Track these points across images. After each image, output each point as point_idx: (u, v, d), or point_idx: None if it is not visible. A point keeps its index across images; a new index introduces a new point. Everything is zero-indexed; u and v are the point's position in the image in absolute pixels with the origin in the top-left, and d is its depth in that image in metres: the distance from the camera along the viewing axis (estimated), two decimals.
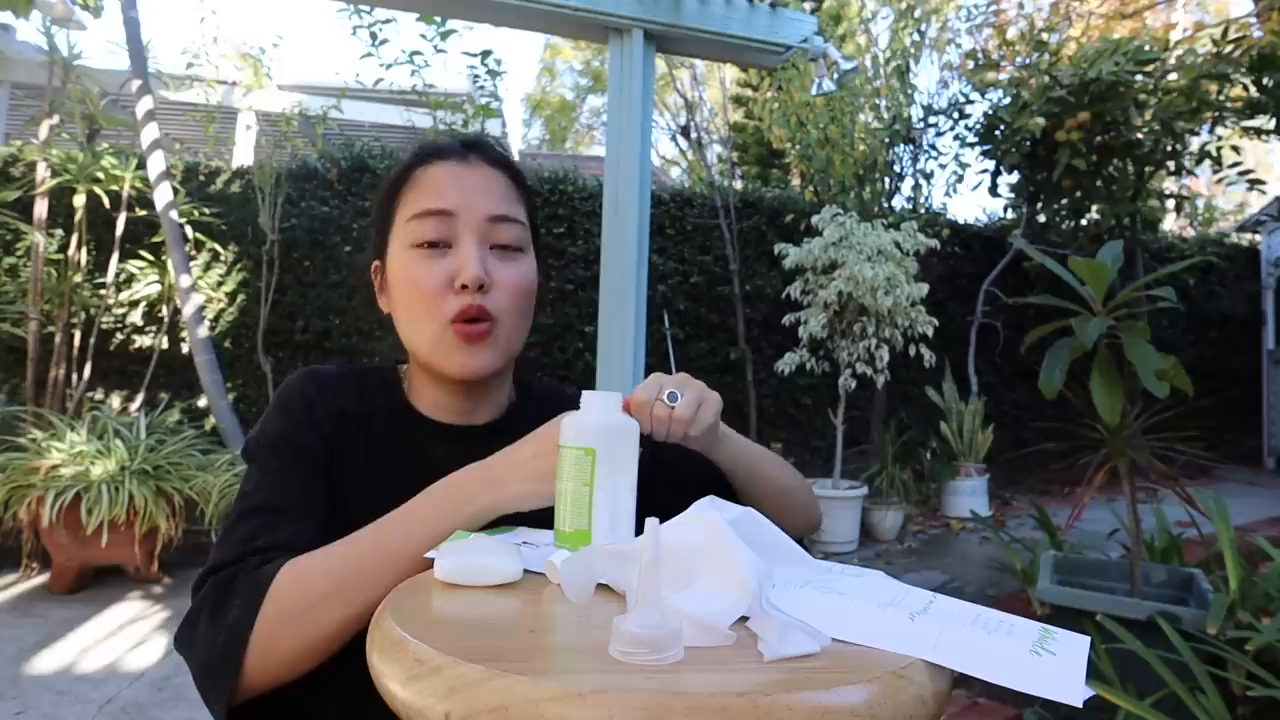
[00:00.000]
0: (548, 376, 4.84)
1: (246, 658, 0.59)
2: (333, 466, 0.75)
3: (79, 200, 4.08)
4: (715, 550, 0.52)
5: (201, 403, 4.40)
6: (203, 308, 4.28)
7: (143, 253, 4.45)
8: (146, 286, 4.45)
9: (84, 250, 4.19)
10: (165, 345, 4.48)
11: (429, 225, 0.76)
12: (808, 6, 8.71)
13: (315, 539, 0.66)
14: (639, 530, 0.59)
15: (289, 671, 0.62)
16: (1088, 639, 0.50)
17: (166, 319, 4.49)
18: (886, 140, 5.38)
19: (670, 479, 0.74)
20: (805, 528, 0.90)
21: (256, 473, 0.73)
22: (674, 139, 13.61)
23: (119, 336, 4.52)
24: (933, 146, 5.69)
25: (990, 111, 5.44)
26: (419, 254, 0.76)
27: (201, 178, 4.76)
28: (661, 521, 0.48)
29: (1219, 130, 5.14)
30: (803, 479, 0.90)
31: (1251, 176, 5.09)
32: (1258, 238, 7.62)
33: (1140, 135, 4.93)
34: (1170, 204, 6.09)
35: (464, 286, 0.74)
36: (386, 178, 0.83)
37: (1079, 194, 5.30)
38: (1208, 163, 5.22)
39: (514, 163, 0.84)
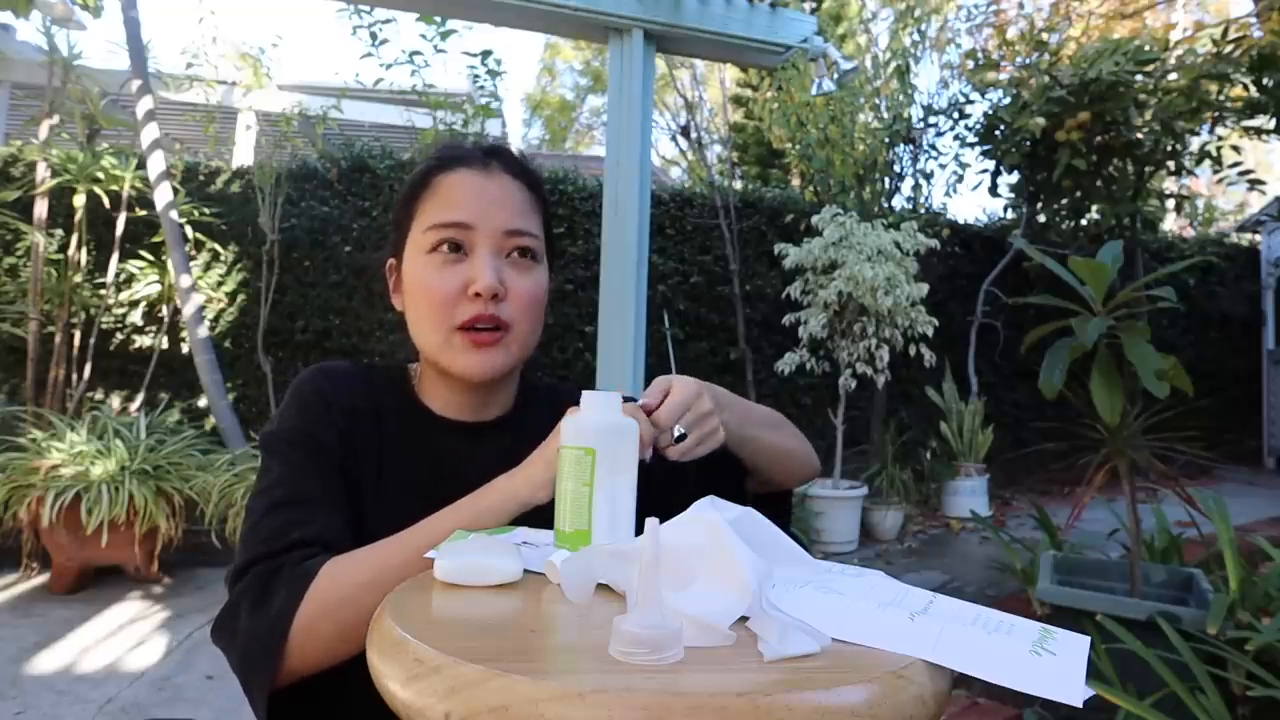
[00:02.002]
0: (548, 376, 4.84)
1: (288, 645, 0.62)
2: (347, 462, 0.77)
3: (79, 200, 4.08)
4: (715, 550, 0.52)
5: (201, 403, 4.40)
6: (203, 308, 4.29)
7: (143, 253, 4.45)
8: (146, 286, 4.45)
9: (84, 250, 4.19)
10: (165, 345, 4.48)
11: (447, 234, 0.78)
12: (808, 6, 8.71)
13: (344, 531, 0.70)
14: (639, 530, 0.59)
15: (329, 658, 0.64)
16: (1088, 639, 0.50)
17: (166, 319, 4.49)
18: (886, 140, 5.37)
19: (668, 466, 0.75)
20: (804, 479, 0.95)
21: (278, 466, 0.74)
22: (674, 139, 13.61)
23: (119, 336, 4.52)
24: (933, 146, 5.69)
25: (990, 111, 5.44)
26: (435, 260, 0.78)
27: (201, 178, 4.76)
28: (661, 521, 0.48)
29: (1219, 130, 5.14)
30: (799, 436, 0.95)
31: (1251, 176, 5.09)
32: (1258, 238, 7.62)
33: (1140, 135, 4.93)
34: (1170, 204, 6.10)
35: (478, 295, 0.76)
36: (410, 176, 0.84)
37: (1079, 194, 5.30)
38: (1208, 163, 5.22)
39: (533, 172, 0.85)
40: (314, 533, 0.68)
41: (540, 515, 0.69)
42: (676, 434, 0.72)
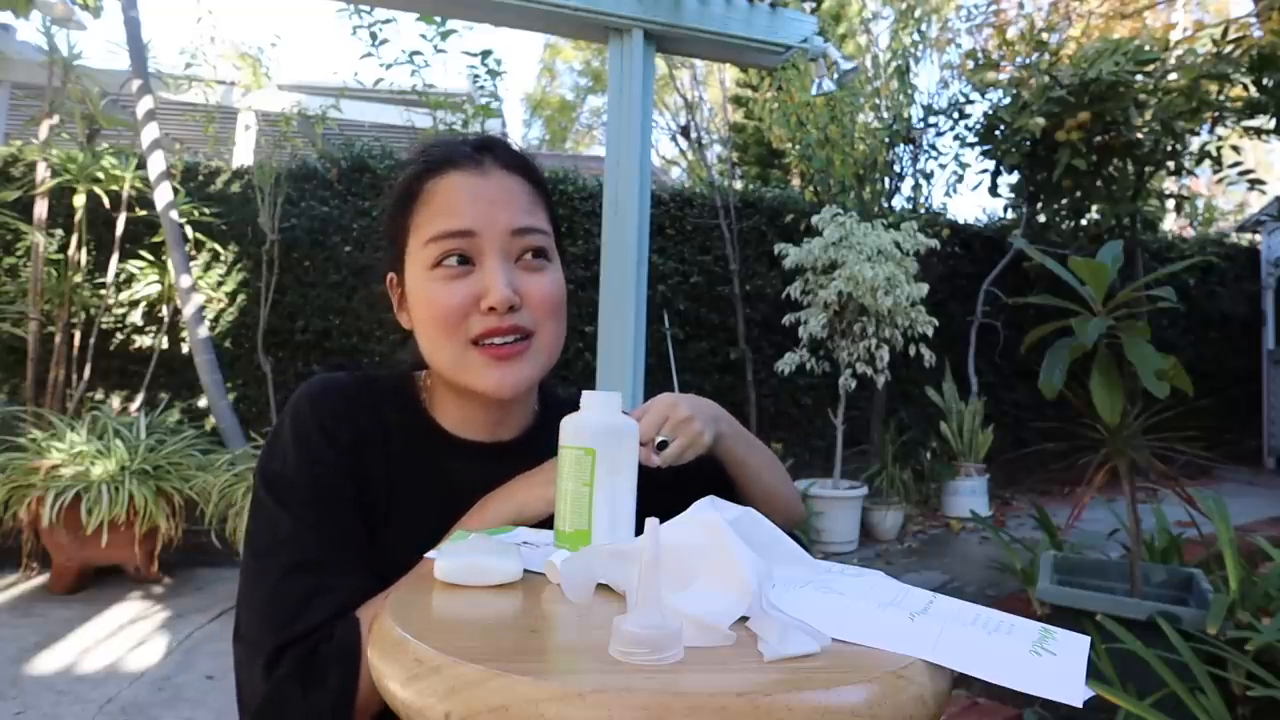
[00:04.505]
0: (547, 376, 4.83)
1: (354, 714, 0.61)
2: (357, 493, 0.72)
3: (79, 200, 4.08)
4: (715, 550, 0.52)
5: (201, 403, 4.40)
6: (203, 308, 4.28)
7: (143, 253, 4.45)
8: (146, 286, 4.45)
9: (84, 250, 4.19)
10: (165, 345, 4.48)
11: (449, 245, 0.72)
12: (808, 6, 8.71)
13: (368, 581, 0.66)
14: (639, 530, 0.59)
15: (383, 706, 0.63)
16: (1088, 639, 0.50)
17: (166, 319, 4.49)
18: (886, 140, 5.37)
19: (672, 471, 0.75)
20: (788, 522, 0.90)
21: (288, 518, 0.67)
22: (674, 139, 13.59)
23: (119, 336, 4.52)
24: (933, 146, 5.69)
25: (990, 111, 5.44)
26: (440, 274, 0.72)
27: (201, 178, 4.76)
28: (661, 522, 0.48)
29: (1219, 130, 5.14)
30: (788, 481, 0.91)
31: (1251, 176, 5.09)
32: (1258, 238, 7.62)
33: (1140, 135, 4.92)
34: (1170, 204, 6.10)
35: (492, 309, 0.71)
36: (396, 185, 0.78)
37: (1079, 194, 5.30)
38: (1208, 163, 5.22)
39: (530, 162, 0.80)
40: (339, 602, 0.64)
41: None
42: (658, 441, 0.73)
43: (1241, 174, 5.10)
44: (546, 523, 0.67)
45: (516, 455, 0.76)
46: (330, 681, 0.61)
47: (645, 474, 0.67)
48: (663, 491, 0.70)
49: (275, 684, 0.61)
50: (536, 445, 0.76)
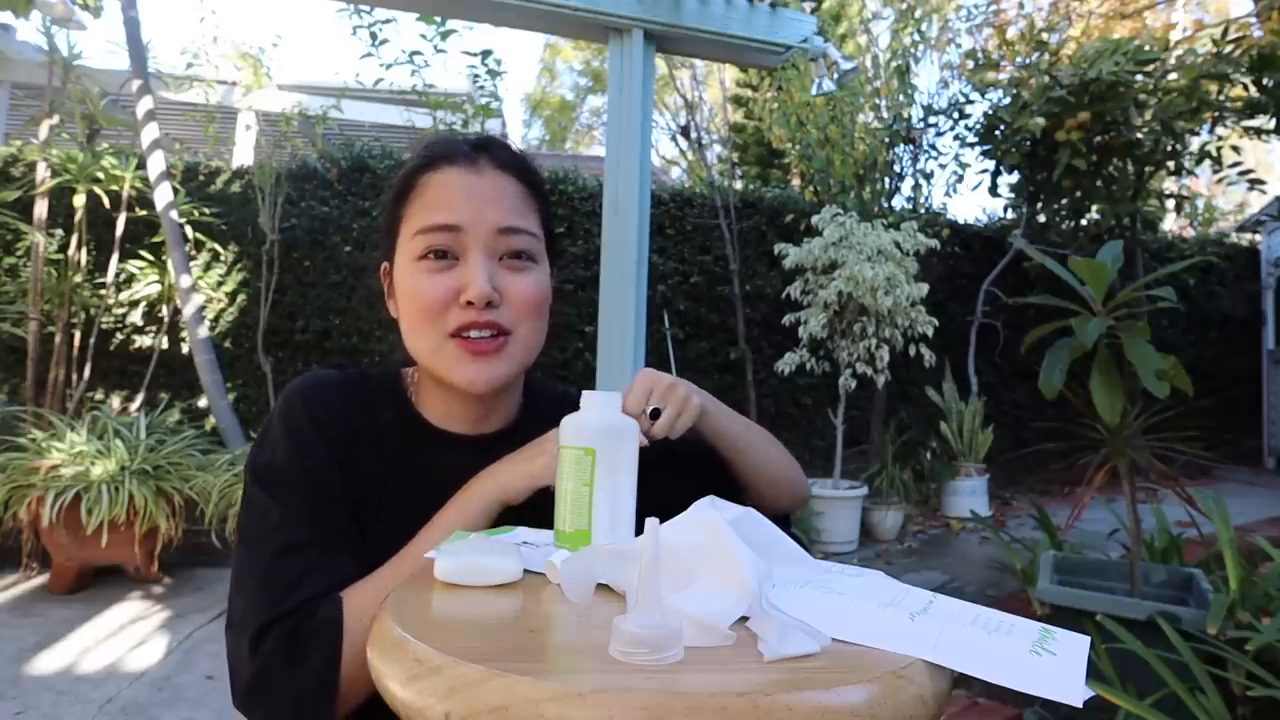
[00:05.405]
0: (547, 376, 4.84)
1: (339, 693, 0.61)
2: (347, 487, 0.73)
3: (79, 200, 4.08)
4: (715, 550, 0.52)
5: (201, 403, 4.40)
6: (203, 308, 4.28)
7: (143, 253, 4.45)
8: (146, 286, 4.45)
9: (84, 250, 4.19)
10: (165, 345, 4.48)
11: (435, 239, 0.73)
12: (808, 6, 8.70)
13: (355, 567, 0.68)
14: (639, 530, 0.59)
15: (373, 689, 0.63)
16: (1088, 639, 0.50)
17: (166, 319, 4.49)
18: (886, 140, 5.37)
19: (667, 450, 0.75)
20: (790, 506, 0.90)
21: (278, 507, 0.69)
22: (674, 139, 13.59)
23: (119, 336, 4.52)
24: (933, 146, 5.69)
25: (990, 111, 5.44)
26: (424, 266, 0.74)
27: (201, 178, 4.76)
28: (661, 522, 0.48)
29: (1219, 130, 5.14)
30: (789, 457, 0.91)
31: (1251, 176, 5.09)
32: (1258, 238, 7.61)
33: (1140, 135, 4.92)
34: (1170, 204, 6.10)
35: (470, 303, 0.72)
36: (396, 178, 0.79)
37: (1079, 194, 5.30)
38: (1208, 163, 5.22)
39: (527, 163, 0.80)
40: (326, 583, 0.66)
41: (540, 515, 0.69)
42: (650, 410, 0.73)
43: (1241, 174, 5.10)
44: (546, 522, 0.67)
45: (501, 447, 0.77)
46: (313, 658, 0.61)
47: (640, 454, 0.67)
48: (658, 471, 0.70)
49: (261, 659, 0.62)
50: (521, 437, 0.77)
